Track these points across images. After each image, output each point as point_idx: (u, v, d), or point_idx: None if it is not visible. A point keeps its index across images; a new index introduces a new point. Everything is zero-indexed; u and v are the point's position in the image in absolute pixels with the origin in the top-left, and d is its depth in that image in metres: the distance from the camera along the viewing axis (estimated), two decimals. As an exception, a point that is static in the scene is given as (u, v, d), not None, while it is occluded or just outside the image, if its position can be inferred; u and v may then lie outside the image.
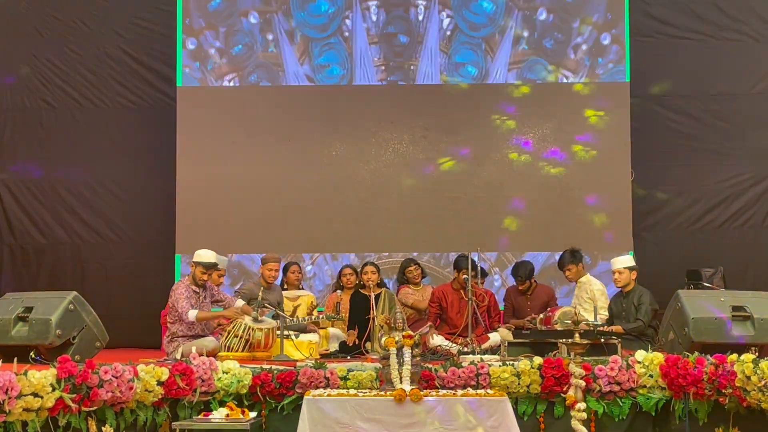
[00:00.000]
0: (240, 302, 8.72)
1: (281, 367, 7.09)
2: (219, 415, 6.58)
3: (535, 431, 6.93)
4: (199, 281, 8.53)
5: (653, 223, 11.90)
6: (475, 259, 9.43)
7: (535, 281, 9.91)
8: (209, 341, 8.28)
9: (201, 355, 7.02)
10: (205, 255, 8.60)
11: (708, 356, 6.62)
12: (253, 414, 6.70)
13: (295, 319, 8.90)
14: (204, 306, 8.50)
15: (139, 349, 10.20)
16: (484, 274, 10.08)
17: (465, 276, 9.17)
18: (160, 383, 6.55)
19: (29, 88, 12.07)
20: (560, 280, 10.94)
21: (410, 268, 10.08)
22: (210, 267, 8.57)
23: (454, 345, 8.72)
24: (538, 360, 6.96)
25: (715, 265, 10.78)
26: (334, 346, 9.23)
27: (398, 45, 11.91)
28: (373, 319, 8.93)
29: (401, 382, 6.44)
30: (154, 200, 11.95)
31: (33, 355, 7.28)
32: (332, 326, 9.53)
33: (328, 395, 6.49)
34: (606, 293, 9.61)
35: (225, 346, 8.20)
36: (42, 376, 5.73)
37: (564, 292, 11.08)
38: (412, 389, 6.36)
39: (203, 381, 6.80)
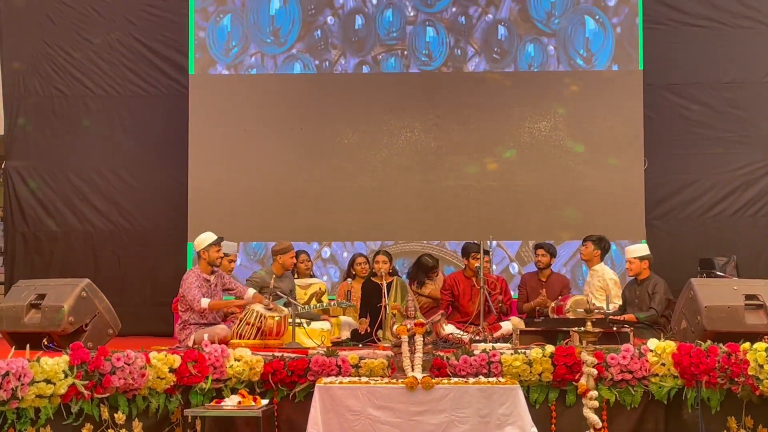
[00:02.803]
0: (251, 291, 8.73)
1: (293, 355, 7.11)
2: (231, 402, 6.60)
3: (547, 419, 6.93)
4: (217, 261, 8.57)
5: (666, 212, 11.85)
6: (487, 247, 9.43)
7: (551, 269, 9.90)
8: (221, 329, 8.29)
9: (213, 342, 7.04)
10: (206, 237, 8.63)
11: (721, 345, 6.61)
12: (264, 401, 6.71)
13: (306, 308, 8.91)
14: (215, 294, 8.52)
15: (151, 337, 10.24)
16: (486, 252, 9.99)
17: (477, 265, 9.17)
18: (172, 370, 6.57)
19: (41, 76, 12.08)
20: (572, 270, 10.98)
21: (435, 271, 10.07)
22: (218, 243, 8.60)
23: (465, 333, 8.73)
24: (550, 348, 6.96)
25: (728, 253, 10.76)
26: (345, 334, 9.24)
27: (410, 33, 11.87)
28: (385, 307, 8.92)
29: (413, 370, 6.44)
30: (166, 188, 11.96)
31: (46, 342, 7.30)
32: (344, 314, 9.54)
33: (340, 383, 6.50)
34: (619, 283, 9.60)
35: (237, 333, 8.21)
36: (55, 363, 5.75)
37: (577, 281, 11.08)
38: (424, 377, 6.36)
39: (215, 368, 6.82)
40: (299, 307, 8.61)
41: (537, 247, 9.96)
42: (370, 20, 11.85)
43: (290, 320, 8.27)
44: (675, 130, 11.86)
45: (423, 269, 10.12)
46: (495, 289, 9.42)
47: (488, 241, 9.51)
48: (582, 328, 6.50)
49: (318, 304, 9.15)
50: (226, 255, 9.30)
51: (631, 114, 11.55)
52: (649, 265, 9.09)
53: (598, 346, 6.72)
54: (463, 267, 9.82)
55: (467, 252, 9.65)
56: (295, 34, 11.85)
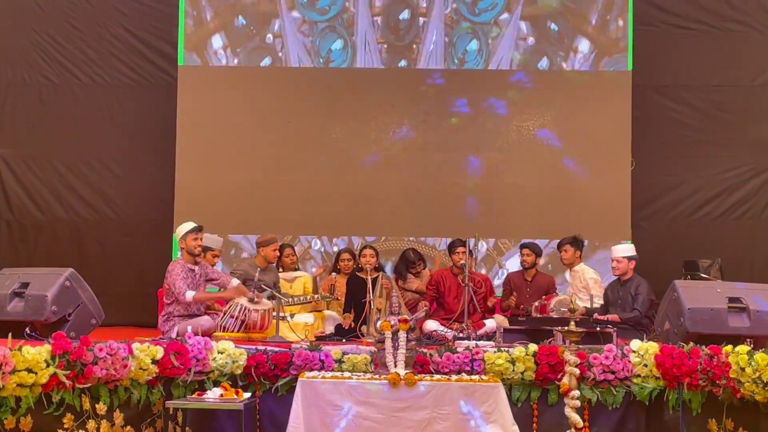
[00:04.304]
0: (235, 281, 8.69)
1: (276, 349, 7.11)
2: (213, 394, 6.58)
3: (529, 418, 6.94)
4: (195, 250, 8.50)
5: (652, 213, 11.89)
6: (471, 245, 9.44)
7: (536, 269, 9.91)
8: (205, 320, 8.26)
9: (196, 334, 7.02)
10: (184, 225, 8.58)
11: (703, 347, 6.62)
12: (247, 394, 6.71)
13: (294, 298, 8.89)
14: (199, 284, 8.48)
15: (134, 328, 10.22)
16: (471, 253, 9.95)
17: (462, 261, 9.17)
18: (154, 362, 6.55)
19: (29, 64, 12.03)
20: (558, 269, 11.01)
21: (415, 266, 10.05)
22: (196, 231, 8.53)
23: (449, 330, 8.73)
24: (533, 347, 6.97)
25: (713, 255, 10.78)
26: (329, 329, 9.23)
27: (400, 29, 11.86)
28: (370, 302, 8.92)
29: (396, 366, 6.45)
30: (152, 179, 11.94)
31: (28, 331, 7.27)
32: (328, 308, 9.53)
33: (323, 377, 6.50)
34: (600, 282, 9.62)
35: (220, 326, 8.19)
36: (36, 352, 5.72)
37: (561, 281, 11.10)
38: (407, 373, 6.36)
39: (198, 360, 6.81)
40: (283, 300, 8.60)
41: (522, 246, 9.96)
42: (361, 17, 11.84)
43: (274, 314, 8.26)
44: (663, 131, 11.90)
45: (404, 262, 10.15)
46: (480, 288, 9.43)
47: (473, 239, 9.49)
48: (565, 328, 6.50)
49: (306, 296, 9.15)
50: (210, 249, 9.29)
51: (620, 115, 11.58)
52: (635, 266, 9.12)
53: (581, 346, 6.73)
54: (450, 265, 9.82)
55: (451, 248, 9.67)
56: (286, 28, 11.83)
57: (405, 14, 11.85)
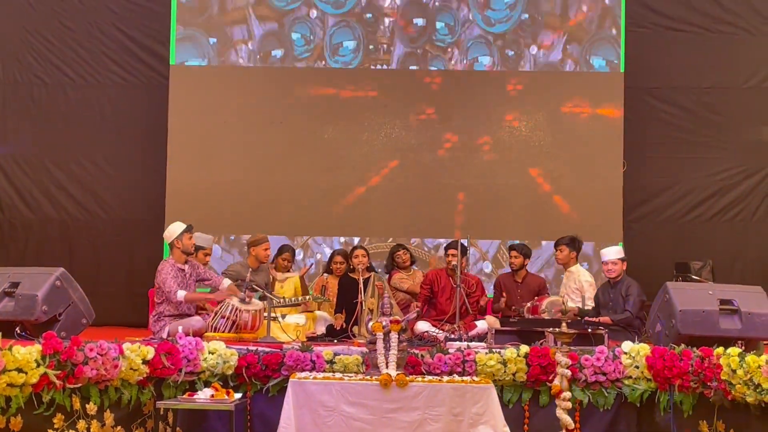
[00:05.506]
0: (227, 281, 8.68)
1: (268, 349, 7.10)
2: (204, 395, 6.57)
3: (520, 419, 6.94)
4: (191, 249, 8.50)
5: (643, 214, 11.89)
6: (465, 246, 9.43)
7: (527, 270, 9.90)
8: (196, 321, 8.25)
9: (187, 334, 7.00)
10: (176, 227, 8.56)
11: (694, 349, 6.62)
12: (238, 395, 6.69)
13: (284, 299, 8.88)
14: (189, 284, 8.46)
15: (125, 328, 10.19)
16: (464, 250, 9.88)
17: (454, 263, 9.16)
18: (145, 362, 6.53)
19: (21, 63, 11.99)
20: (549, 272, 11.03)
21: (398, 253, 10.09)
22: (189, 230, 8.52)
23: (441, 331, 8.73)
24: (524, 348, 6.97)
25: (704, 257, 10.79)
26: (321, 329, 9.22)
27: (393, 29, 11.84)
28: (361, 303, 8.91)
29: (387, 367, 6.44)
30: (144, 178, 11.90)
31: (18, 331, 7.25)
32: (320, 309, 9.52)
33: (314, 378, 6.49)
34: (594, 285, 9.61)
35: (212, 326, 8.18)
36: (27, 352, 5.70)
37: (554, 282, 11.11)
38: (398, 374, 6.36)
39: (189, 361, 6.80)
40: (275, 300, 8.58)
41: (510, 248, 9.95)
42: (352, 16, 11.83)
43: (265, 314, 8.25)
44: (654, 133, 11.90)
45: (390, 255, 10.23)
46: (473, 290, 9.43)
47: (466, 240, 9.49)
48: (557, 329, 6.50)
49: (297, 298, 9.13)
50: (201, 248, 9.27)
51: (612, 116, 11.58)
52: (625, 267, 9.15)
53: (572, 348, 6.73)
54: (445, 266, 9.80)
55: (445, 250, 9.68)
56: (277, 27, 11.81)
57: (397, 15, 11.83)
